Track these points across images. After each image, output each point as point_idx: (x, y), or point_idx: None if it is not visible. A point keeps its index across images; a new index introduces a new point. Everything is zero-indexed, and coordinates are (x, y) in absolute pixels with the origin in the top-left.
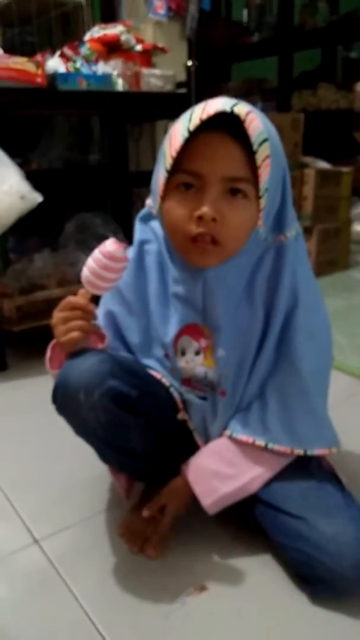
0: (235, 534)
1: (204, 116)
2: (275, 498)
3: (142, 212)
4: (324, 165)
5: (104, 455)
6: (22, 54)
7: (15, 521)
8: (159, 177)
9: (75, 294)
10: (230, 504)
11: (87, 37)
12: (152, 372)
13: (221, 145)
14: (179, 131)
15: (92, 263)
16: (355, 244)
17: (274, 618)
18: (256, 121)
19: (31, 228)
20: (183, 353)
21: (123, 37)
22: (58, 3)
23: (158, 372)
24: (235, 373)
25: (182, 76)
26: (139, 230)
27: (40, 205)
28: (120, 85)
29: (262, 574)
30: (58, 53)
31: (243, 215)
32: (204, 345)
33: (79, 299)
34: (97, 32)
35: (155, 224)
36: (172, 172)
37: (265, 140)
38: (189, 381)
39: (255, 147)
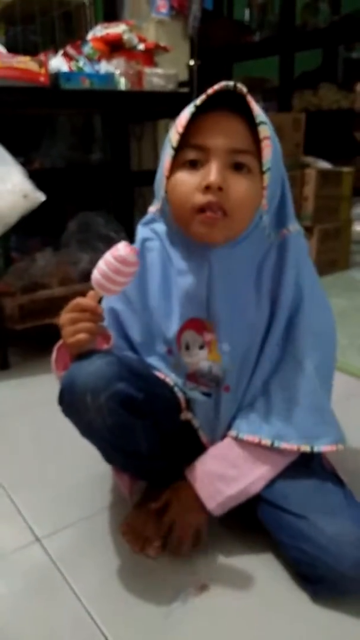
0: (236, 533)
1: (210, 92)
2: (278, 497)
3: (144, 218)
4: (325, 165)
5: (108, 456)
6: (25, 53)
7: (16, 519)
8: (165, 160)
9: (77, 293)
10: (235, 505)
11: (89, 36)
12: (156, 372)
13: (225, 120)
14: (185, 112)
15: (104, 266)
16: (356, 244)
17: (275, 617)
18: (254, 103)
19: (33, 227)
20: (187, 347)
21: (125, 36)
22: (61, 2)
23: (162, 372)
24: (239, 368)
25: (184, 75)
26: (141, 232)
27: (42, 204)
28: (122, 84)
29: (263, 573)
30: (61, 52)
31: (248, 186)
32: (207, 339)
33: (89, 300)
34: (99, 31)
35: (157, 226)
36: (178, 150)
37: (264, 123)
38: (193, 376)
39: (257, 120)
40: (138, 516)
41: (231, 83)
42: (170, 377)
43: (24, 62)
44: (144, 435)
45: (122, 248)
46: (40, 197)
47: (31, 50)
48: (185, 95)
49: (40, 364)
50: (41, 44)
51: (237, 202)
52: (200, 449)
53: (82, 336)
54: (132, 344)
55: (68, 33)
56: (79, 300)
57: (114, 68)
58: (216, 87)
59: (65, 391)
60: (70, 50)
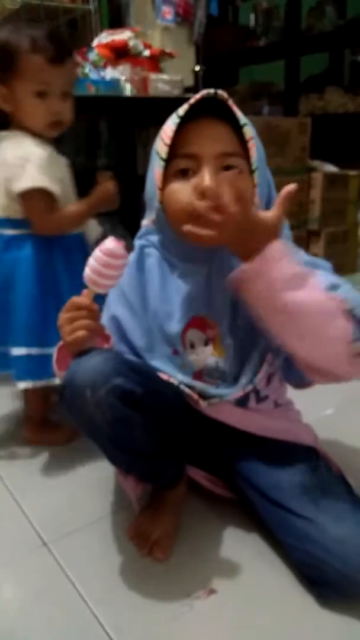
0: (244, 538)
1: (192, 101)
2: (285, 499)
3: (139, 232)
4: (331, 168)
5: (112, 456)
6: None
7: (24, 524)
8: (155, 172)
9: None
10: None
11: (95, 43)
12: (160, 374)
13: (210, 126)
14: (170, 123)
15: (93, 262)
16: None
17: (283, 622)
18: (236, 107)
19: None
20: (192, 346)
21: (131, 43)
22: (67, 10)
23: (166, 373)
24: (244, 358)
25: (189, 81)
26: (137, 243)
27: None
28: (128, 90)
29: (271, 576)
30: None
31: (241, 185)
32: (211, 335)
33: (83, 298)
34: (105, 37)
35: (151, 237)
36: (167, 161)
37: (246, 124)
38: (199, 375)
39: (241, 122)
40: (145, 520)
41: (212, 90)
42: (175, 378)
43: None
44: (144, 431)
45: (109, 242)
46: None
47: None
48: None
49: None
50: None
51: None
52: (210, 453)
53: (80, 333)
54: (135, 351)
55: (74, 40)
56: (74, 299)
57: (120, 74)
58: (197, 96)
59: (66, 387)
60: (75, 57)
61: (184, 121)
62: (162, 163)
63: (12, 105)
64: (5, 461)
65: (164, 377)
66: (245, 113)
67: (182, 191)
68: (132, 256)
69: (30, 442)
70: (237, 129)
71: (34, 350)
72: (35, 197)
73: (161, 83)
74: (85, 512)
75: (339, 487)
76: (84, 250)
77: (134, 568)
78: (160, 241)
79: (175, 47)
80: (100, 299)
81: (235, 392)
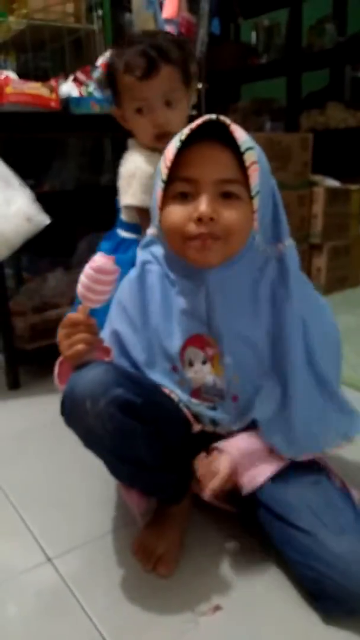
0: (249, 554)
1: (193, 126)
2: (288, 513)
3: (143, 241)
4: (333, 183)
5: (114, 468)
6: (36, 79)
7: (28, 539)
8: (157, 191)
9: None
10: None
11: (99, 61)
12: (162, 388)
13: (211, 152)
14: (172, 146)
15: (84, 278)
16: None
17: (289, 639)
18: (239, 131)
19: (44, 248)
20: (191, 364)
21: None
22: (71, 30)
23: (166, 387)
24: (243, 377)
25: (192, 98)
26: (140, 255)
27: (53, 225)
28: None
29: (277, 593)
30: (71, 78)
31: (239, 213)
32: (210, 354)
33: (78, 314)
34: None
35: (155, 249)
36: (168, 183)
37: (250, 148)
38: (197, 392)
39: (242, 149)
40: (149, 535)
41: (214, 116)
42: (175, 393)
43: (36, 88)
44: (145, 442)
45: (98, 259)
46: (44, 220)
47: (42, 76)
48: (194, 118)
49: (50, 383)
50: (51, 69)
51: (229, 230)
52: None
53: (79, 347)
54: (135, 365)
55: (78, 59)
56: (70, 315)
57: None
58: (199, 121)
59: (66, 399)
60: (80, 75)
61: (187, 143)
62: (162, 184)
63: (128, 124)
64: (9, 476)
65: (166, 391)
66: (248, 129)
67: (179, 215)
68: (134, 272)
69: None
70: (240, 152)
71: None
72: (139, 212)
73: None
74: (89, 528)
75: (342, 501)
76: None
77: (139, 584)
78: (162, 255)
79: None
80: (101, 313)
81: (234, 425)
